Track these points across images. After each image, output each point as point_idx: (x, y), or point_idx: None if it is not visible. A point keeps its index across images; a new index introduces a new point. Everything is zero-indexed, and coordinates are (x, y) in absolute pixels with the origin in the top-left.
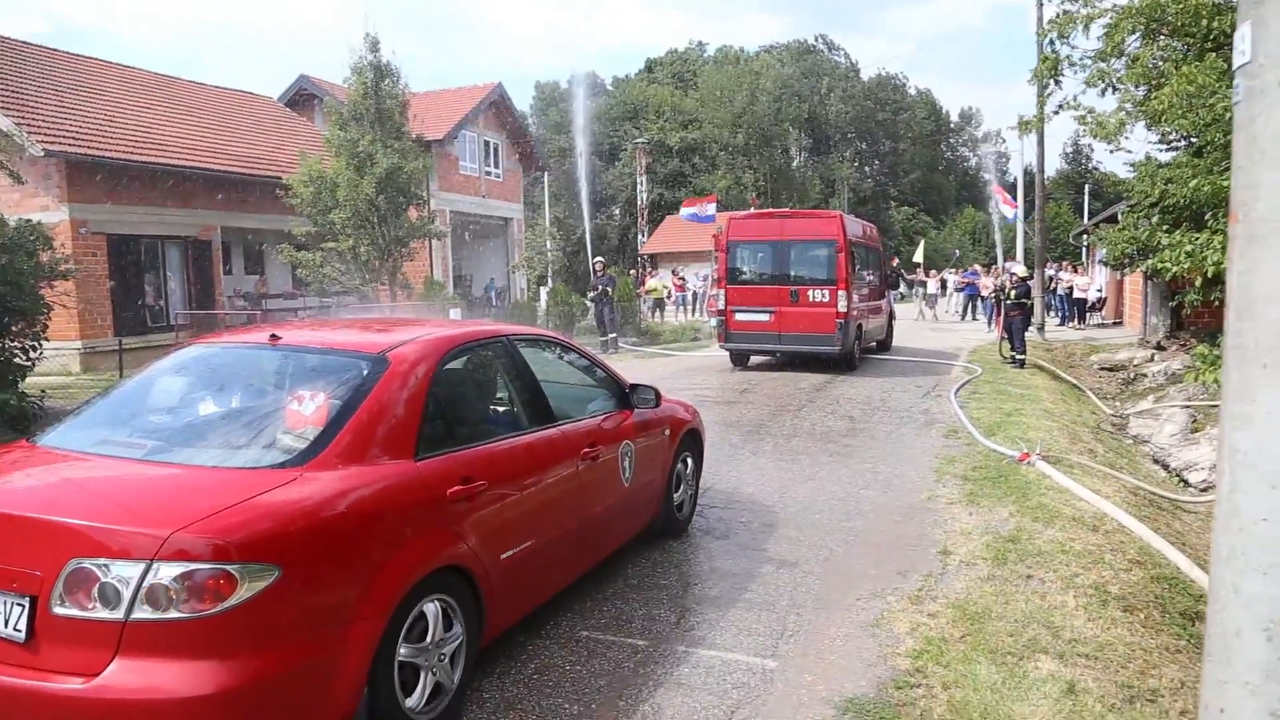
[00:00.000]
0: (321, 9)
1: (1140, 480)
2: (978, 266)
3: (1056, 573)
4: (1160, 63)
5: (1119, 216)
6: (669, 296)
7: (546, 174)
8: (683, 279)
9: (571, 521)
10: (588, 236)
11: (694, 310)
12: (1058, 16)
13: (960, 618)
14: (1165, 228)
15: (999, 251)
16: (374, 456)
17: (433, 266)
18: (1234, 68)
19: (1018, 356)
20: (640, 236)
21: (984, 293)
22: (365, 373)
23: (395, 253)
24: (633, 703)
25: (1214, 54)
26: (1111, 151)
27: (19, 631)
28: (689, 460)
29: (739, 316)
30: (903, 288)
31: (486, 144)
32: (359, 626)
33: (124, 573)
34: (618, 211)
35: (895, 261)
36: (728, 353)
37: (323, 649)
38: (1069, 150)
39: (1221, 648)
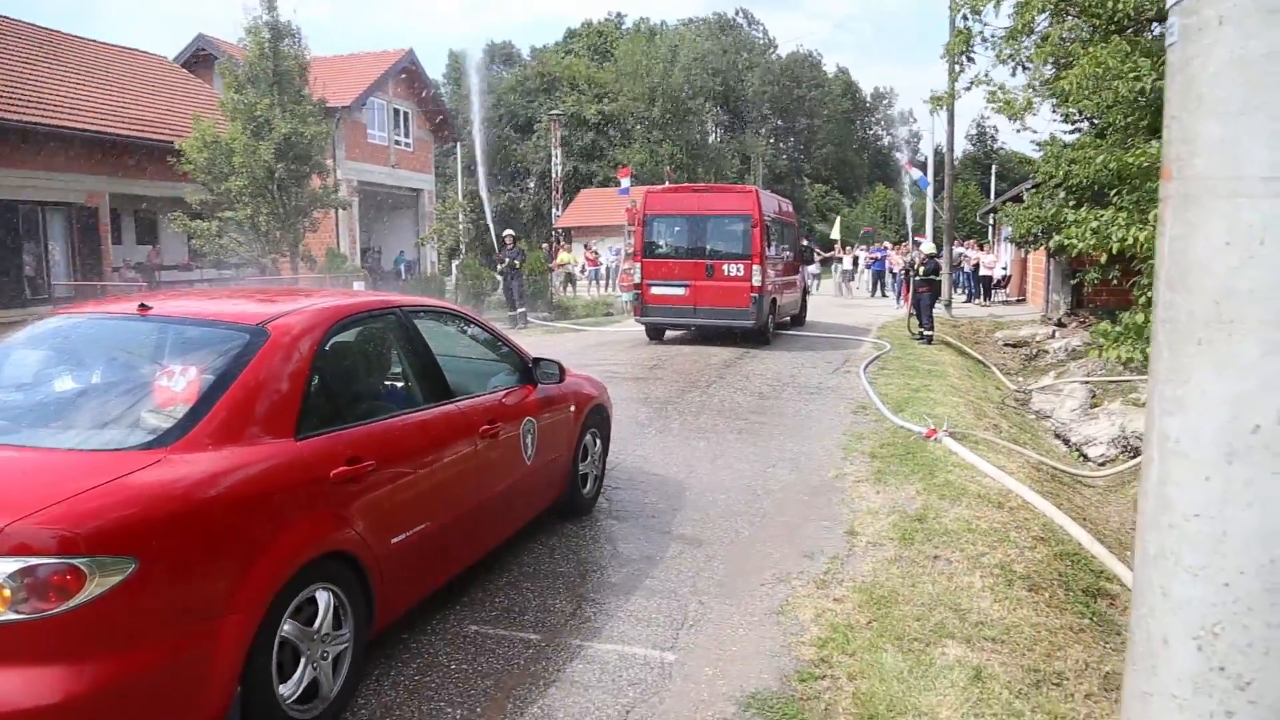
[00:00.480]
0: None
1: (1043, 456)
2: (887, 244)
3: (963, 552)
4: (1069, 43)
5: (1024, 196)
6: (582, 271)
7: (459, 145)
8: (595, 253)
9: (469, 502)
10: (487, 206)
11: (607, 285)
12: None
13: (867, 602)
14: (1071, 204)
15: (909, 229)
16: (250, 436)
17: (339, 238)
18: (1168, 5)
19: (925, 332)
20: (555, 210)
21: (894, 269)
22: (242, 345)
23: (297, 223)
24: (521, 704)
25: (1118, 35)
26: (1018, 131)
27: None
28: (595, 438)
29: (655, 290)
30: (815, 267)
31: (396, 112)
32: (230, 621)
33: None
34: (532, 184)
35: (804, 241)
36: (640, 328)
37: (188, 647)
38: (974, 133)
39: (1146, 655)
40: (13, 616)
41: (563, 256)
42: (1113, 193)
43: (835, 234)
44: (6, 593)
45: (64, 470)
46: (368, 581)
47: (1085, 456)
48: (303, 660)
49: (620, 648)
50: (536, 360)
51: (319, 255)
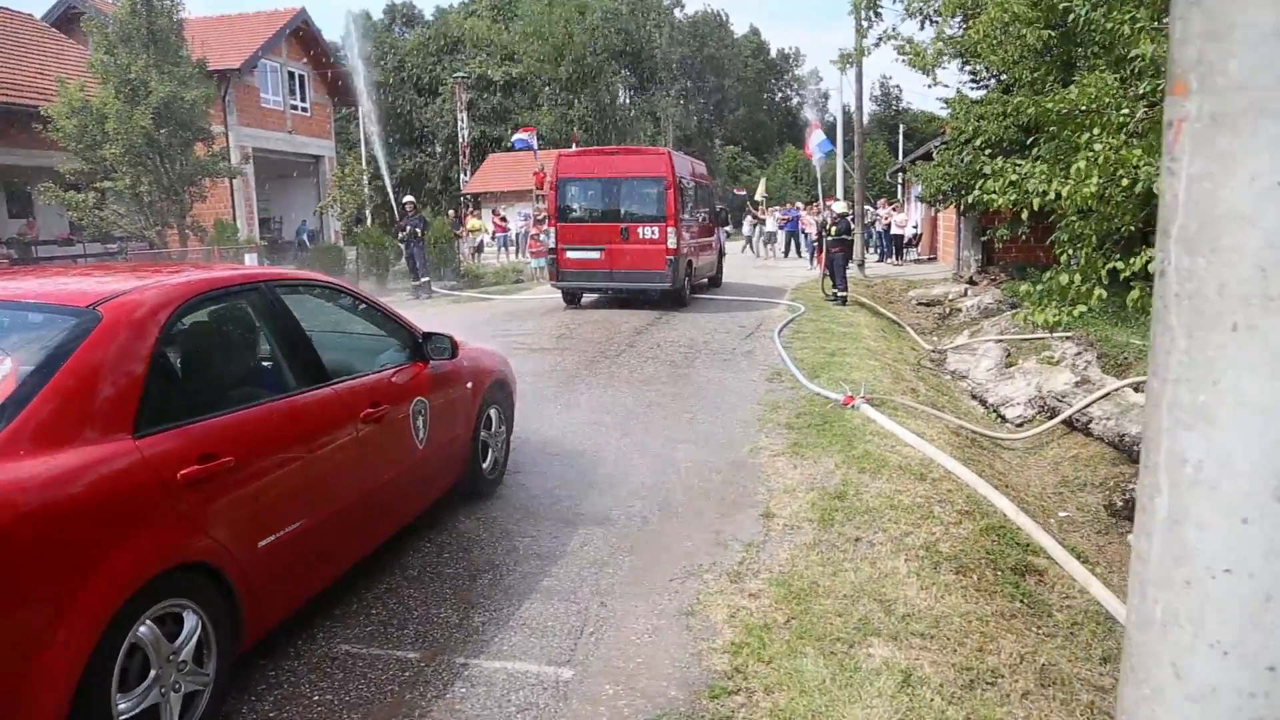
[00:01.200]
0: None
1: (961, 419)
2: (799, 204)
3: (886, 532)
4: None
5: (933, 154)
6: (491, 237)
7: (360, 109)
8: (504, 219)
9: (352, 494)
10: (384, 169)
11: (517, 251)
12: None
13: (785, 598)
14: (987, 154)
15: (820, 190)
16: (76, 435)
17: (235, 208)
18: None
19: (839, 293)
20: (462, 175)
21: (806, 230)
22: (69, 330)
23: (183, 193)
24: None
25: None
26: (929, 87)
27: None
28: (498, 414)
29: (570, 255)
30: (746, 227)
31: (291, 75)
32: (49, 658)
33: None
34: (439, 149)
35: (719, 205)
36: (550, 295)
37: (3, 684)
38: (879, 93)
39: None
40: None
41: (471, 223)
42: (1029, 142)
43: (760, 195)
44: None
45: None
46: (233, 594)
47: (1003, 418)
48: (149, 680)
49: (510, 664)
50: (427, 335)
51: (210, 227)
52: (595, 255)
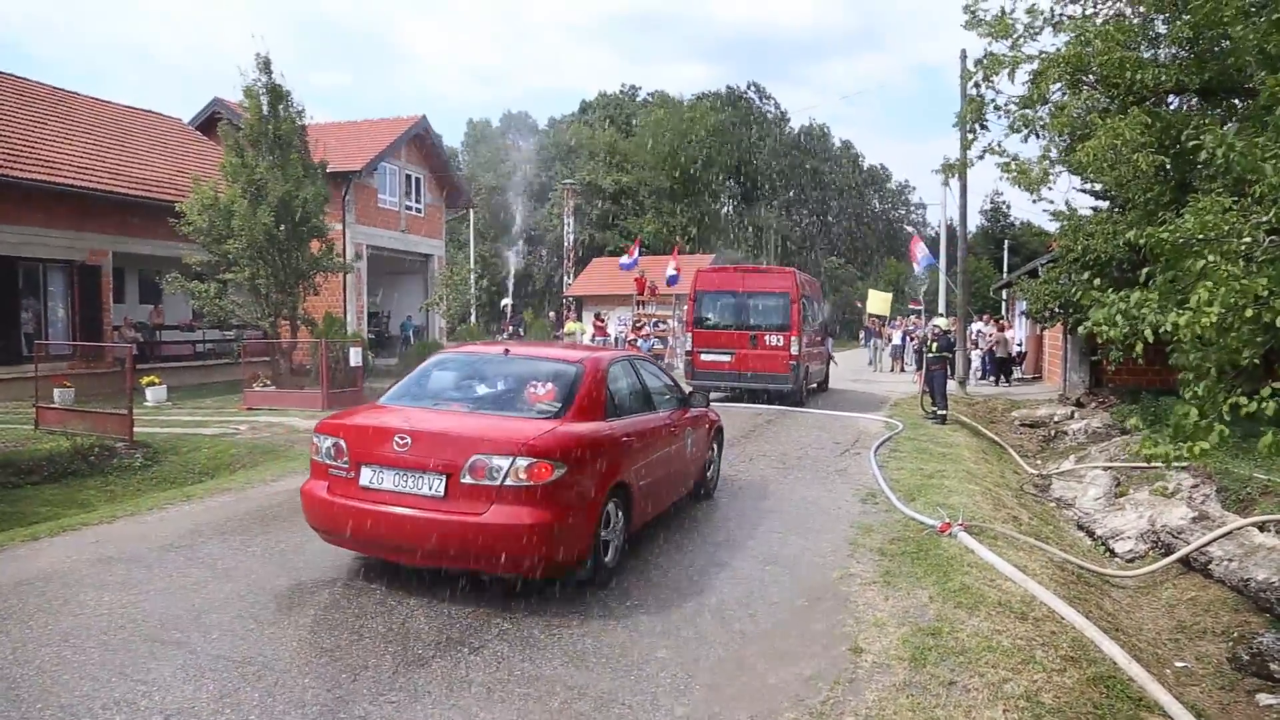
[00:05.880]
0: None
1: (1066, 552)
2: (914, 319)
3: (983, 677)
4: (1085, 114)
5: (1039, 270)
6: (590, 339)
7: (472, 211)
8: (604, 322)
9: (668, 469)
10: (510, 280)
11: None
12: (984, 59)
13: None
14: (1095, 283)
15: (923, 304)
16: (592, 417)
17: (346, 302)
18: None
19: (939, 412)
20: (566, 278)
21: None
22: (575, 373)
23: (296, 286)
24: None
25: (1136, 107)
26: (1034, 202)
27: (439, 493)
28: (716, 448)
29: (704, 357)
30: (877, 342)
31: (408, 177)
32: (596, 499)
33: (499, 464)
34: (545, 251)
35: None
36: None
37: (583, 510)
38: (987, 207)
39: None
40: (525, 483)
41: (570, 326)
42: (1142, 272)
43: (877, 307)
44: (522, 473)
45: (527, 425)
46: (631, 501)
47: (1112, 552)
48: (608, 528)
49: None
50: (690, 393)
51: (321, 319)
52: (727, 358)
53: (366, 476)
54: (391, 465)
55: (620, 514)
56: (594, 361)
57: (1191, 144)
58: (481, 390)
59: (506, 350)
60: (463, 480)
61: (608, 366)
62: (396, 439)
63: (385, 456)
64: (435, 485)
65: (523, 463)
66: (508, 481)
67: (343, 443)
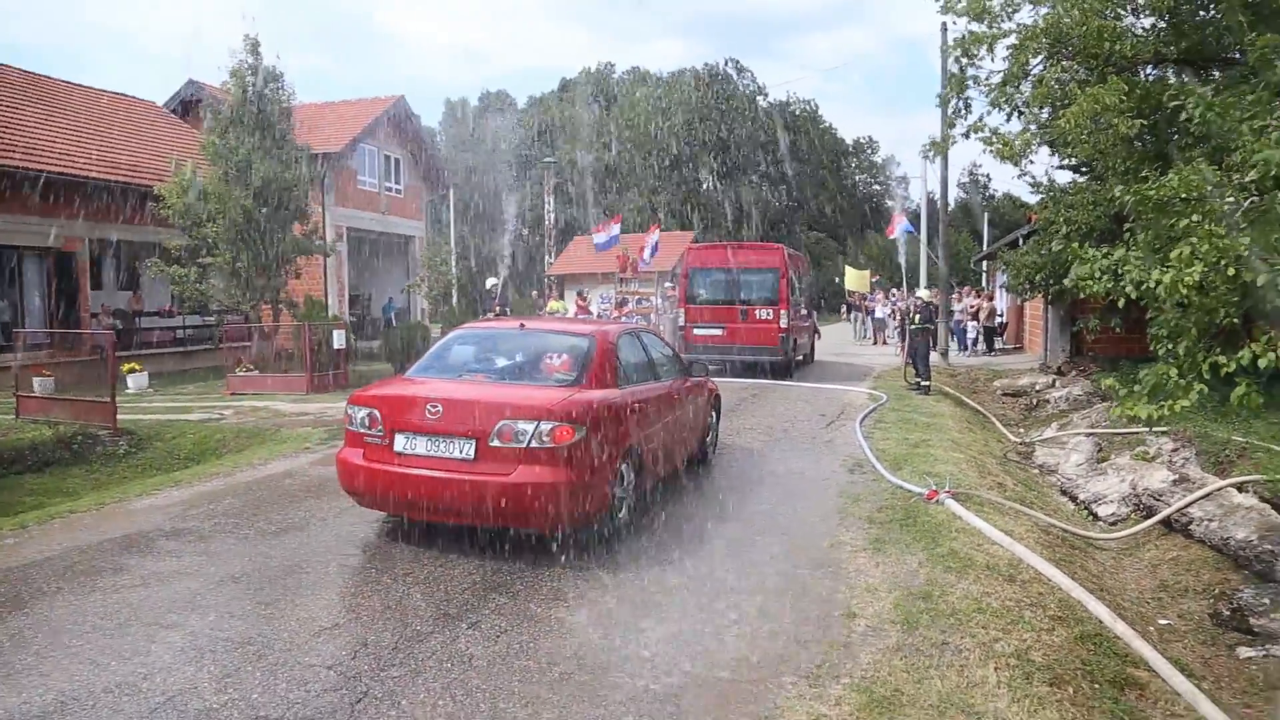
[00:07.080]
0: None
1: (1051, 516)
2: (894, 290)
3: (974, 638)
4: (1065, 84)
5: (1019, 242)
6: (573, 317)
7: (452, 191)
8: (586, 300)
9: (672, 435)
10: (502, 268)
11: None
12: (963, 36)
13: (867, 705)
14: (1076, 242)
15: (904, 277)
16: (604, 384)
17: (327, 285)
18: None
19: (922, 383)
20: (547, 257)
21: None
22: (587, 345)
23: (278, 269)
24: None
25: (1115, 76)
26: (1017, 177)
27: (470, 456)
28: (715, 415)
29: (697, 331)
30: (859, 315)
31: (387, 159)
32: (614, 459)
33: (525, 428)
34: (526, 231)
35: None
36: None
37: (602, 469)
38: (965, 180)
39: None
40: (549, 445)
41: (552, 304)
42: (1124, 229)
43: (854, 283)
44: (546, 436)
45: (548, 392)
46: (643, 464)
47: (1095, 515)
48: (620, 487)
49: None
50: (690, 363)
51: (302, 302)
52: (719, 332)
53: (400, 443)
54: (424, 432)
55: (632, 474)
56: (604, 334)
57: (1173, 104)
58: (501, 363)
59: (522, 325)
60: (491, 444)
61: (617, 338)
62: (429, 407)
63: (418, 424)
64: (466, 449)
65: (546, 426)
66: (533, 444)
67: (377, 412)
